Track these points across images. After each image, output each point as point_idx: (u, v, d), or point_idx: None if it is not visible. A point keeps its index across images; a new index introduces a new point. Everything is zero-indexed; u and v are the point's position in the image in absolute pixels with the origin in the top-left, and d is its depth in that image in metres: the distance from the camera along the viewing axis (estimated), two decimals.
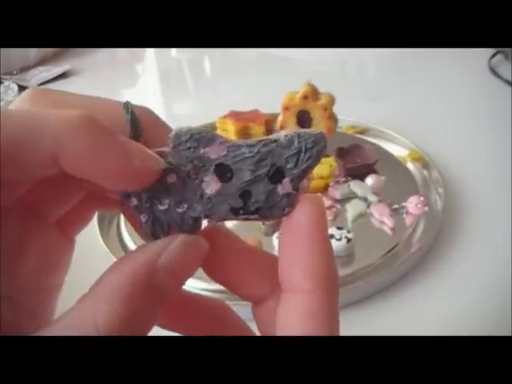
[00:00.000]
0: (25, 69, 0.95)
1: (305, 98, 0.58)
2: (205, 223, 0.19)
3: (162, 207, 0.18)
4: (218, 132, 0.61)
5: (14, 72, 0.93)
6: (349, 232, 0.47)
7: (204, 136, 0.18)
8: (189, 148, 0.18)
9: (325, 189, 0.55)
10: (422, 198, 0.52)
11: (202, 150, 0.18)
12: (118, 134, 0.17)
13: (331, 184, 0.55)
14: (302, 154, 0.18)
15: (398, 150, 0.62)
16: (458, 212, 0.53)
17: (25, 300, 0.20)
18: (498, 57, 0.86)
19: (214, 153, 0.18)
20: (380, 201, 0.53)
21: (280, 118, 0.61)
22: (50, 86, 0.90)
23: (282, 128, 0.62)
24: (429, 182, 0.57)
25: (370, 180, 0.55)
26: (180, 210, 0.18)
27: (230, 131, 0.65)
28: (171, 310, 0.20)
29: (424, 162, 0.59)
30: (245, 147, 0.18)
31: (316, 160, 0.18)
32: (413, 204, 0.52)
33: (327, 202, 0.53)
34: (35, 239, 0.20)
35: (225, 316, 0.22)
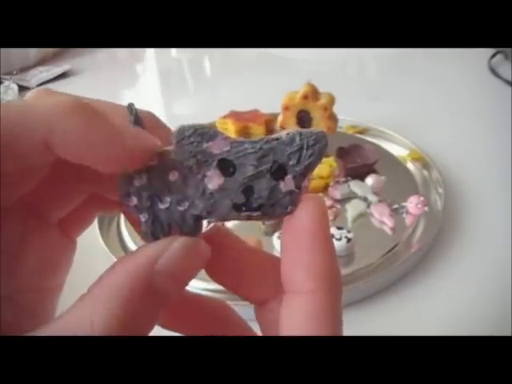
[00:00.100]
0: (25, 69, 0.95)
1: (305, 97, 0.58)
2: (206, 226, 0.19)
3: (162, 206, 0.18)
4: None
5: (14, 72, 0.93)
6: (349, 232, 0.47)
7: (207, 132, 0.18)
8: (192, 142, 0.18)
9: (325, 189, 0.55)
10: (422, 198, 0.52)
11: (205, 145, 0.18)
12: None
13: (331, 184, 0.56)
14: (304, 151, 0.18)
15: (398, 150, 0.62)
16: (458, 212, 0.53)
17: (25, 300, 0.20)
18: (498, 57, 0.86)
19: (216, 148, 0.18)
20: (380, 201, 0.53)
21: (280, 118, 0.61)
22: (50, 86, 0.90)
23: (282, 128, 0.62)
24: (429, 182, 0.57)
25: (370, 180, 0.55)
26: (181, 209, 0.18)
27: (229, 131, 0.65)
28: (172, 310, 0.20)
29: (424, 162, 0.59)
30: (247, 143, 0.18)
31: (318, 157, 0.18)
32: (413, 204, 0.52)
33: (327, 202, 0.53)
34: (36, 239, 0.20)
35: (226, 316, 0.22)
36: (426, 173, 0.58)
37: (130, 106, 0.19)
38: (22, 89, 0.87)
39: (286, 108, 0.60)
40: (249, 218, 0.18)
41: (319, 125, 0.60)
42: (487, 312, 0.42)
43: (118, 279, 0.16)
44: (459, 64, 0.88)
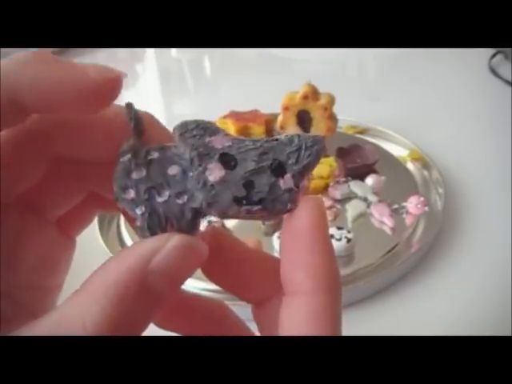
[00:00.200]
0: None
1: (305, 98, 0.58)
2: (203, 226, 0.19)
3: (160, 199, 0.18)
4: None
5: None
6: (349, 232, 0.47)
7: (209, 126, 0.18)
8: (194, 136, 0.18)
9: (325, 189, 0.55)
10: (422, 198, 0.52)
11: (207, 139, 0.18)
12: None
13: (331, 184, 0.55)
14: (303, 151, 0.18)
15: (397, 150, 0.62)
16: (458, 212, 0.53)
17: (25, 298, 0.20)
18: (498, 57, 0.86)
19: (218, 143, 0.18)
20: (380, 201, 0.53)
21: (280, 118, 0.61)
22: None
23: (282, 128, 0.62)
24: (429, 182, 0.57)
25: (370, 180, 0.55)
26: (180, 202, 0.18)
27: (229, 131, 0.65)
28: (169, 309, 0.20)
29: (424, 162, 0.59)
30: (248, 141, 0.18)
31: (316, 158, 0.18)
32: (413, 204, 0.52)
33: (327, 202, 0.53)
34: (34, 236, 0.20)
35: (223, 316, 0.22)
36: (426, 173, 0.58)
37: (129, 105, 0.19)
38: None
39: (286, 108, 0.60)
40: (248, 213, 0.18)
41: (319, 125, 0.60)
42: (487, 312, 0.42)
43: (111, 277, 0.16)
44: (459, 64, 0.88)
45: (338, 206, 0.53)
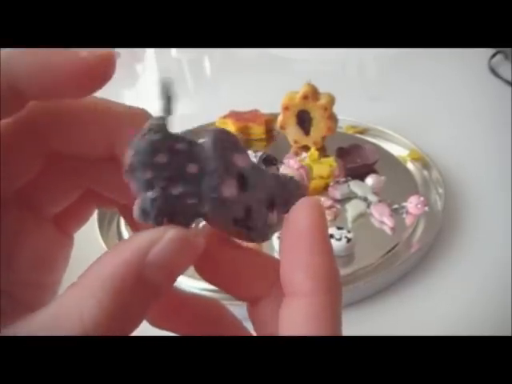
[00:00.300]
0: None
1: (305, 98, 0.58)
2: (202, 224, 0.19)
3: (175, 192, 0.18)
4: None
5: None
6: (349, 232, 0.47)
7: (239, 143, 0.19)
8: (225, 147, 0.18)
9: (325, 189, 0.55)
10: (422, 198, 0.52)
11: (235, 154, 0.18)
12: None
13: (331, 184, 0.55)
14: (293, 197, 0.19)
15: (398, 150, 0.62)
16: (458, 212, 0.53)
17: (24, 295, 0.20)
18: (498, 57, 0.86)
19: (242, 161, 0.19)
20: (380, 201, 0.53)
21: (280, 118, 0.61)
22: None
23: (282, 128, 0.62)
24: (429, 182, 0.57)
25: (370, 180, 0.55)
26: (189, 202, 0.18)
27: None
28: (166, 309, 0.20)
29: (424, 162, 0.59)
30: (265, 170, 0.19)
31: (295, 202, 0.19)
32: (413, 204, 0.52)
33: (327, 202, 0.53)
34: (31, 233, 0.20)
35: (220, 316, 0.22)
36: (426, 173, 0.58)
37: (165, 83, 0.19)
38: None
39: (286, 108, 0.60)
40: (236, 234, 0.19)
41: (319, 125, 0.60)
42: (487, 312, 0.42)
43: (107, 270, 0.16)
44: (459, 64, 0.88)
45: (338, 206, 0.53)
